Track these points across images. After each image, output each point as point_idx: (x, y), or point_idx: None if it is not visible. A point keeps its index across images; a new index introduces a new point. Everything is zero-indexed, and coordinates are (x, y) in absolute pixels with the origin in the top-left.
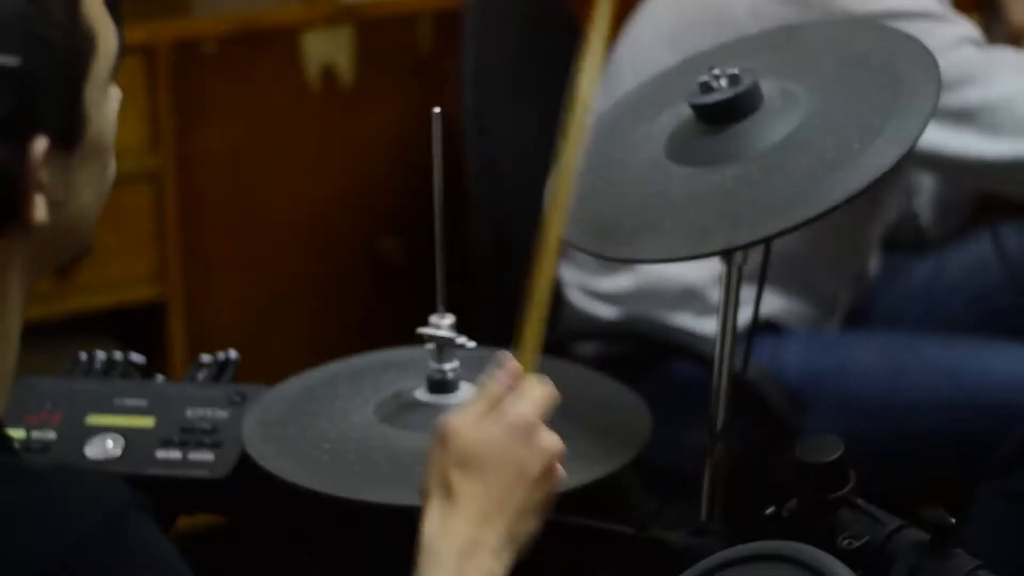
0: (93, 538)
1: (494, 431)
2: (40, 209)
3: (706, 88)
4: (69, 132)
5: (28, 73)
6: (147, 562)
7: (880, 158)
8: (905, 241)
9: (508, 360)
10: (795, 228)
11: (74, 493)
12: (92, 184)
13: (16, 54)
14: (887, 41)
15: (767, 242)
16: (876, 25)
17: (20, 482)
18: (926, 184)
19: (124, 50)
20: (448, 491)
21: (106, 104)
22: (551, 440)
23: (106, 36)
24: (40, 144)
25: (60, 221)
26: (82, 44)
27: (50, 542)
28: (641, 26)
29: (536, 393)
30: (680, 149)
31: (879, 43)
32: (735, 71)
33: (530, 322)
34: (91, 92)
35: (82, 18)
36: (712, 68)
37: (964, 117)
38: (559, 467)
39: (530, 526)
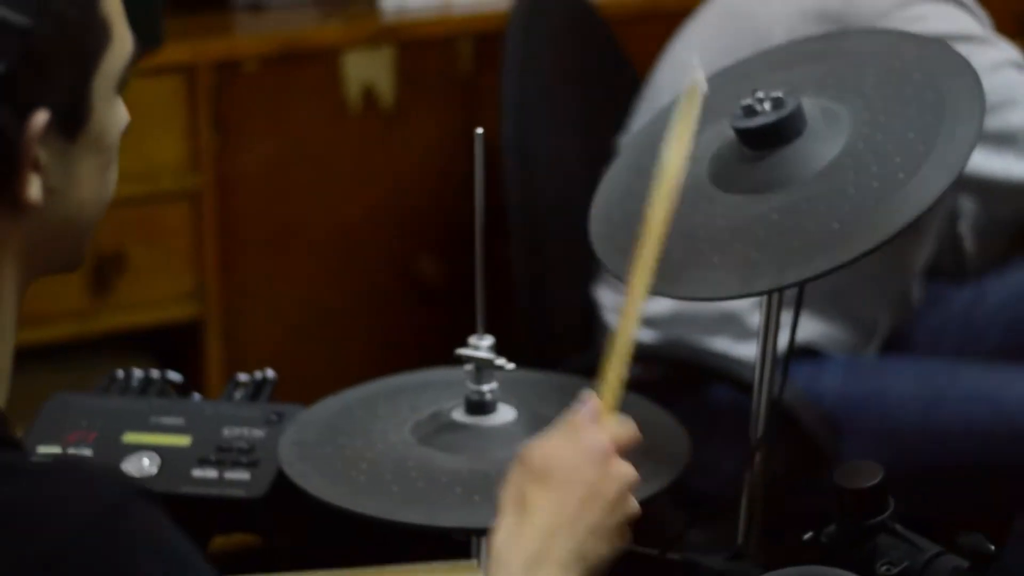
0: (94, 527)
1: (572, 451)
2: (35, 188)
3: (749, 111)
4: (71, 116)
5: (36, 38)
6: (150, 549)
7: (925, 189)
8: (945, 269)
9: (590, 396)
10: (840, 268)
11: (74, 484)
12: (92, 180)
13: (25, 15)
14: (929, 54)
15: (813, 280)
16: (915, 37)
17: (21, 476)
18: (968, 208)
19: (135, 65)
20: (522, 503)
21: (113, 107)
22: (626, 469)
23: (122, 39)
24: (40, 117)
25: (56, 211)
26: (96, 32)
27: (50, 533)
28: (680, 50)
29: (615, 428)
30: (724, 174)
31: (920, 57)
32: (779, 94)
33: (613, 363)
34: (99, 85)
35: (100, 10)
36: (756, 90)
37: (1006, 140)
38: (632, 499)
39: (601, 549)
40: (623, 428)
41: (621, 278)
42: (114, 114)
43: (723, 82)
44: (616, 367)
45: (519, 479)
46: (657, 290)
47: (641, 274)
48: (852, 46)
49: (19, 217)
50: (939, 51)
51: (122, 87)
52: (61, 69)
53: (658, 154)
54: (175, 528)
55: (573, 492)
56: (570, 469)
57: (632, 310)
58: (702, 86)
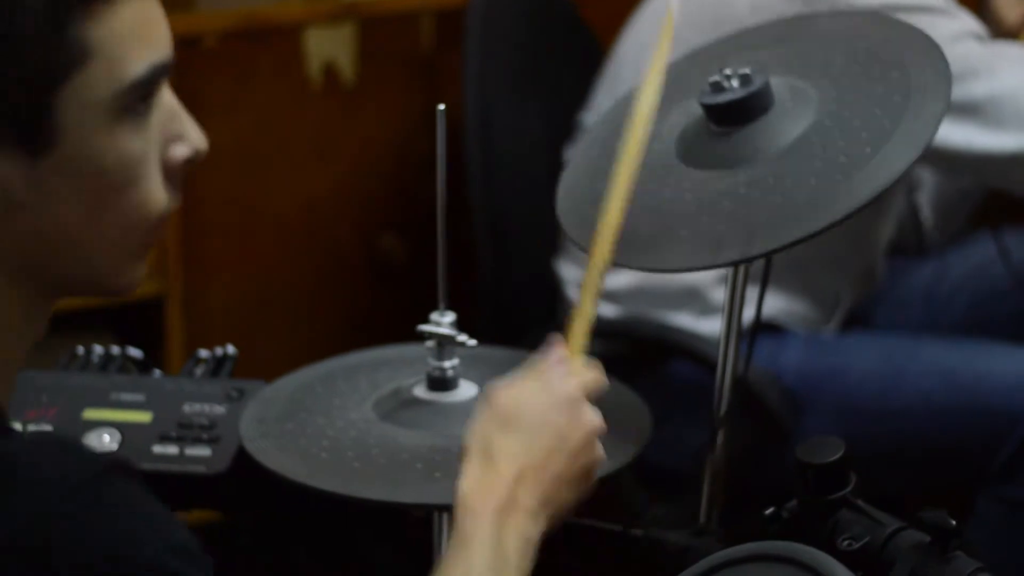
0: (76, 495)
1: (538, 396)
2: None
3: (717, 88)
4: (30, 133)
5: None
6: (132, 515)
7: (893, 162)
8: (907, 244)
9: (556, 340)
10: (807, 239)
11: (55, 458)
12: (73, 203)
13: None
14: (895, 34)
15: (780, 252)
16: (883, 18)
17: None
18: (926, 180)
19: (142, 96)
20: (488, 449)
21: (116, 134)
22: (593, 416)
23: (113, 65)
24: None
25: (29, 224)
26: (64, 51)
27: (34, 504)
28: (643, 23)
29: (583, 373)
30: (691, 151)
31: (887, 36)
32: (747, 71)
33: (582, 310)
34: (69, 106)
35: (77, 30)
36: (723, 68)
37: (968, 111)
38: (599, 445)
39: (568, 496)
40: (590, 372)
41: (588, 251)
42: (111, 142)
43: (690, 64)
44: (584, 310)
45: (485, 424)
46: (625, 262)
47: (612, 211)
48: (820, 29)
49: None
50: (906, 32)
51: (131, 110)
52: (12, 82)
53: (623, 132)
54: (154, 497)
55: (540, 438)
56: (537, 415)
57: (601, 253)
58: (675, 9)
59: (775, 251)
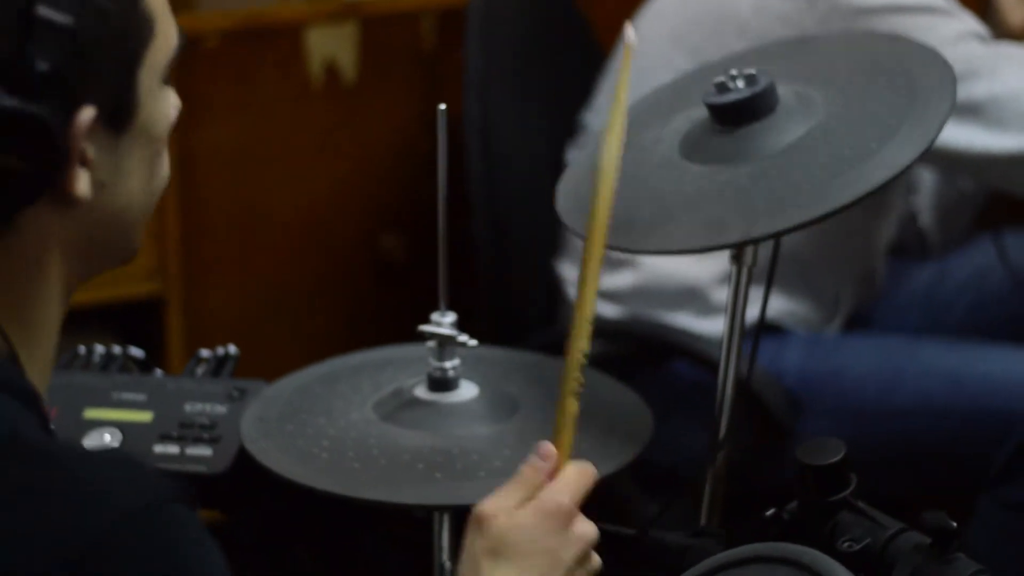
0: (134, 519)
1: (529, 519)
2: (83, 183)
3: (722, 88)
4: (119, 110)
5: (79, 34)
6: (183, 554)
7: (898, 156)
8: (908, 247)
9: (545, 447)
10: (812, 222)
11: (118, 477)
12: (141, 172)
13: (69, 13)
14: (901, 49)
15: (784, 235)
16: (888, 36)
17: (70, 463)
18: (925, 184)
19: (181, 55)
20: None
21: (161, 99)
22: (586, 528)
23: (166, 32)
24: (87, 113)
25: (105, 205)
26: (140, 26)
27: (87, 522)
28: (645, 22)
29: (573, 478)
30: (694, 148)
31: (893, 51)
32: (752, 71)
33: (565, 405)
34: (145, 78)
35: (142, 4)
36: (729, 70)
37: (969, 111)
38: (594, 555)
39: None
40: (580, 474)
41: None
42: (162, 105)
43: (695, 79)
44: (568, 403)
45: (474, 550)
46: (625, 246)
47: (588, 294)
48: (826, 45)
49: (67, 212)
50: (911, 46)
51: (168, 78)
52: (106, 65)
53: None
54: (206, 532)
55: (533, 565)
56: (529, 539)
57: (580, 332)
58: (631, 39)
59: (777, 234)
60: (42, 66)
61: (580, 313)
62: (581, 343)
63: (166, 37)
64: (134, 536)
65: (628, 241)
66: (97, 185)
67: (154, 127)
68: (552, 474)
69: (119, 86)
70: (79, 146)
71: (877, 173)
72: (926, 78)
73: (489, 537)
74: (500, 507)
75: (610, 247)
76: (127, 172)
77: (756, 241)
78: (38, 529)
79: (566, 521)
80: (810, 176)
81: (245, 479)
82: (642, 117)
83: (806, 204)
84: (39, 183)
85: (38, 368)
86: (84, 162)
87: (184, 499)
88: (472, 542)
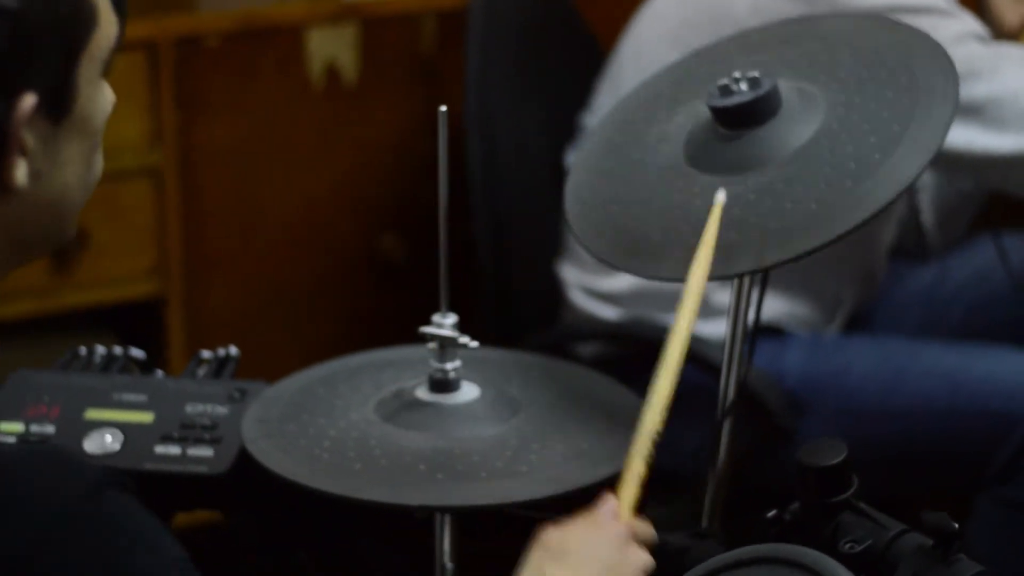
0: (73, 514)
1: (590, 533)
2: (21, 172)
3: (725, 91)
4: (59, 99)
5: (25, 20)
6: (130, 536)
7: (902, 170)
8: (908, 247)
9: (608, 497)
10: (821, 248)
11: (50, 471)
12: (77, 164)
13: None
14: (901, 38)
15: (795, 261)
16: (888, 21)
17: None
18: (925, 184)
19: (122, 47)
20: None
21: (98, 90)
22: (643, 555)
23: (108, 22)
24: (28, 101)
25: (40, 194)
26: (84, 14)
27: (30, 520)
28: (644, 23)
29: (633, 519)
30: (700, 154)
31: (893, 39)
32: (755, 74)
33: (631, 469)
34: (85, 68)
35: None
36: (731, 70)
37: (969, 112)
38: None
39: None
40: (643, 525)
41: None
42: (100, 98)
43: (697, 64)
44: (635, 464)
45: (537, 560)
46: (638, 272)
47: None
48: (826, 30)
49: (3, 201)
50: (911, 34)
51: (107, 70)
52: (49, 52)
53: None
54: (147, 513)
55: (591, 570)
56: (589, 550)
57: (651, 422)
58: (721, 200)
59: (789, 261)
60: None
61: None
62: (656, 421)
63: (108, 28)
64: (73, 530)
65: (639, 266)
66: (34, 174)
67: (92, 119)
68: (616, 514)
69: (60, 74)
70: (19, 134)
71: (882, 192)
72: (929, 76)
73: (553, 544)
74: (564, 526)
75: (623, 269)
76: (64, 163)
77: (767, 270)
78: None
79: (624, 542)
80: (815, 192)
81: (246, 480)
82: (643, 109)
83: (813, 229)
84: None
85: None
86: (23, 150)
87: (113, 481)
88: (535, 552)
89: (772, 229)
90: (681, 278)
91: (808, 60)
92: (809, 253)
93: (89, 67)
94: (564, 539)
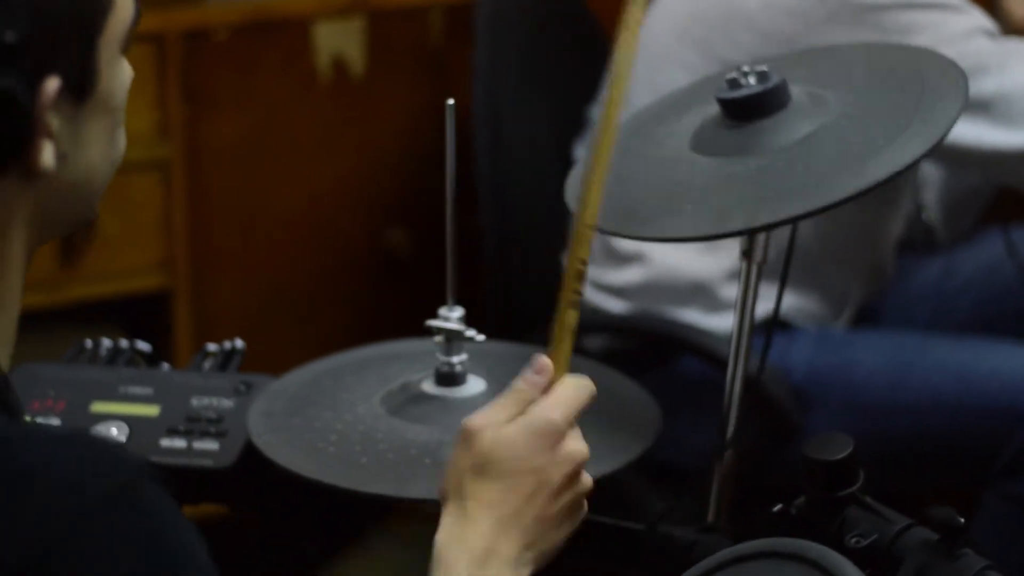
0: (107, 503)
1: (516, 435)
2: (47, 155)
3: (734, 84)
4: (81, 80)
5: (44, 5)
6: (160, 530)
7: (906, 151)
8: (916, 241)
9: (540, 360)
10: (817, 212)
11: (89, 458)
12: (100, 143)
13: None
14: (915, 57)
15: (787, 224)
16: (904, 46)
17: (34, 445)
18: (933, 178)
19: (138, 26)
20: (462, 498)
21: (118, 69)
22: (576, 447)
23: (127, 5)
24: (52, 84)
25: (65, 176)
26: None
27: (64, 506)
28: (652, 17)
29: (567, 394)
30: (705, 142)
31: (907, 58)
32: (764, 68)
33: (563, 317)
34: (105, 48)
35: None
36: (742, 66)
37: (978, 107)
38: (585, 475)
39: (553, 536)
40: (575, 390)
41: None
42: (120, 75)
43: (709, 82)
44: (566, 315)
45: (460, 468)
46: (629, 232)
47: (588, 207)
48: (842, 54)
49: (31, 184)
50: (925, 54)
51: (126, 48)
52: (69, 34)
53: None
54: (180, 510)
55: (518, 483)
56: (515, 457)
57: (579, 248)
58: None
59: (781, 223)
60: (9, 37)
61: (581, 220)
62: (581, 252)
63: (124, 6)
64: (109, 519)
65: (633, 228)
66: (60, 157)
67: (113, 97)
68: (547, 389)
69: (81, 56)
70: (44, 118)
71: (883, 167)
72: (940, 81)
73: (475, 453)
74: (488, 422)
75: (615, 233)
76: (88, 143)
77: (759, 230)
78: None
79: (556, 439)
80: (816, 169)
81: (252, 473)
82: (656, 115)
83: (811, 195)
84: (4, 156)
85: (2, 339)
86: (48, 134)
87: (150, 474)
88: (458, 457)
89: (767, 195)
90: (673, 238)
91: (822, 73)
92: (803, 217)
93: (108, 47)
94: (489, 444)
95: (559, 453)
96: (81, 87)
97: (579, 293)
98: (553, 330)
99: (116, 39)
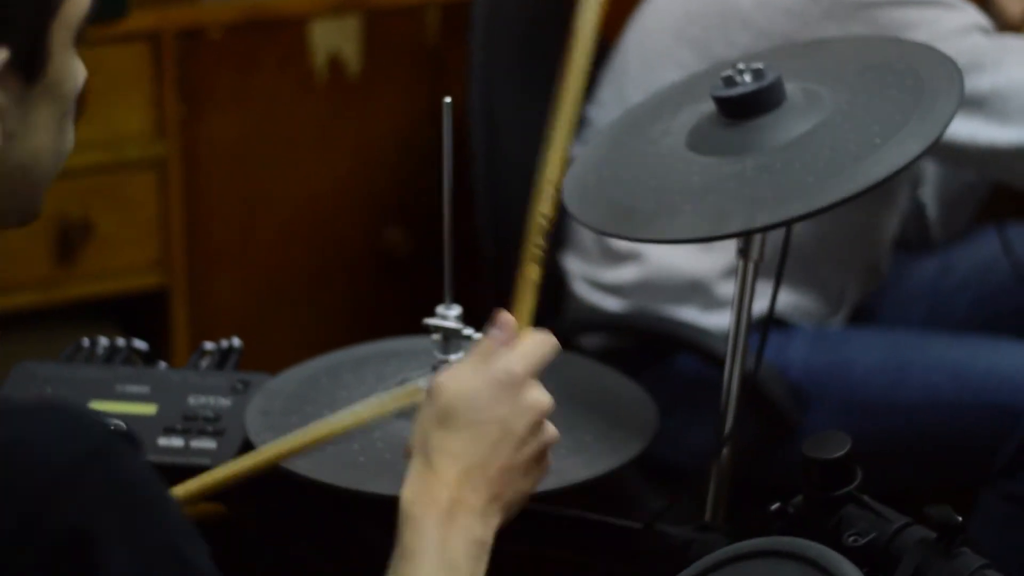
0: (82, 467)
1: (478, 386)
2: None
3: (730, 82)
4: (31, 58)
5: None
6: (135, 490)
7: (903, 151)
8: (912, 239)
9: (503, 317)
10: (815, 213)
11: (60, 424)
12: (48, 130)
13: None
14: (909, 52)
15: (785, 225)
16: (898, 40)
17: (5, 417)
18: (930, 175)
19: (91, 21)
20: (427, 451)
21: (70, 59)
22: (539, 396)
23: None
24: (1, 55)
25: (11, 157)
26: None
27: (39, 472)
28: (648, 15)
29: (528, 347)
30: (701, 140)
31: (901, 53)
32: (759, 66)
33: (525, 272)
34: (57, 32)
35: None
36: (737, 64)
37: (973, 104)
38: (549, 425)
39: (520, 485)
40: (537, 344)
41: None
42: (72, 66)
43: (703, 79)
44: (528, 279)
45: (424, 422)
46: (626, 233)
47: (549, 171)
48: (835, 48)
49: None
50: (919, 48)
51: (79, 40)
52: (21, 9)
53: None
54: (156, 473)
55: (481, 433)
56: (477, 408)
57: (541, 207)
58: None
59: (779, 224)
60: None
61: (544, 176)
62: (543, 207)
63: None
64: (82, 484)
65: (632, 229)
66: (7, 135)
67: (63, 84)
68: (510, 344)
69: (33, 33)
70: None
71: (880, 167)
72: (935, 78)
73: (438, 406)
74: (452, 376)
75: (615, 235)
76: (36, 126)
77: (757, 231)
78: None
79: (517, 389)
80: (814, 169)
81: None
82: (651, 112)
83: (809, 196)
84: None
85: None
86: None
87: (124, 438)
88: (423, 413)
89: (765, 196)
90: (670, 240)
91: (817, 69)
92: (801, 218)
93: (61, 32)
94: (451, 396)
95: (521, 403)
96: (32, 65)
97: (541, 248)
98: (516, 285)
99: (70, 26)
